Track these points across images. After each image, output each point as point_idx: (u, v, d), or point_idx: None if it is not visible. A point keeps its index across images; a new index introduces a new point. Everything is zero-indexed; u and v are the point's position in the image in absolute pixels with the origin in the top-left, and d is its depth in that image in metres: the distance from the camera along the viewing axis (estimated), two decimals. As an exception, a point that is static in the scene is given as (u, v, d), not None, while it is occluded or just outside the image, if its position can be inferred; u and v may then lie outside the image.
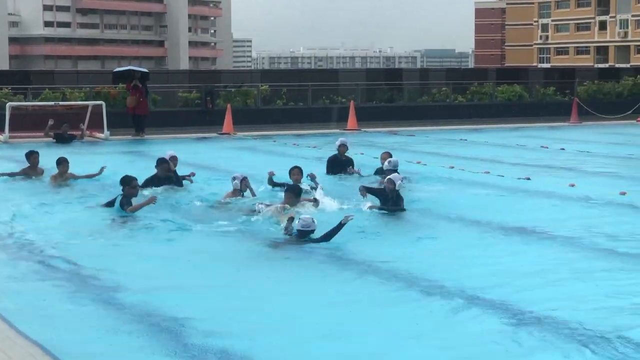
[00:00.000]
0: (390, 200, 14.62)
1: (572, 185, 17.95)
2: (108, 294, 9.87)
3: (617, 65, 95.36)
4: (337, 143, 20.06)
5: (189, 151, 23.71)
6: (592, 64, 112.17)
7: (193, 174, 18.61)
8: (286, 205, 14.16)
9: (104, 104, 30.51)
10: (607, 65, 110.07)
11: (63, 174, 18.55)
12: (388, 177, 14.87)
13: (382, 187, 15.13)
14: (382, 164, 18.37)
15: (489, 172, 19.93)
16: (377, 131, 32.99)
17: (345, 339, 8.32)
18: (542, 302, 9.31)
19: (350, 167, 19.34)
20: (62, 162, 18.60)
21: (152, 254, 12.20)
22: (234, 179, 15.94)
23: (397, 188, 14.59)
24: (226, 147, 27.21)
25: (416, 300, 9.64)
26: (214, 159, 18.81)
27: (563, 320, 8.70)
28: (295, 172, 16.54)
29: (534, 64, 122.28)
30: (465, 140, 29.51)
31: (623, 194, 16.89)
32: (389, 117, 37.34)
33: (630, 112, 38.94)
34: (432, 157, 23.13)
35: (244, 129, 32.49)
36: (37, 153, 19.37)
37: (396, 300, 9.70)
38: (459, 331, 8.54)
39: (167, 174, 17.57)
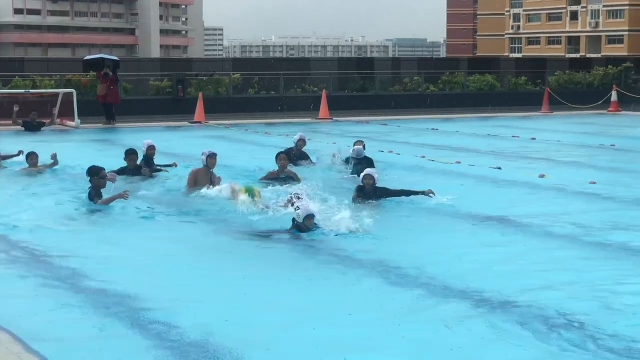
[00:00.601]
0: (373, 196, 14.62)
1: (542, 176, 18.01)
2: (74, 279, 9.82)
3: (588, 55, 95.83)
4: (296, 137, 20.10)
5: (160, 140, 23.51)
6: (563, 54, 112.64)
7: (175, 165, 18.55)
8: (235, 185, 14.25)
9: (74, 92, 30.28)
10: (578, 55, 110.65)
11: (33, 167, 18.17)
12: (364, 173, 14.69)
13: (362, 184, 14.89)
14: (355, 153, 18.46)
15: (460, 162, 19.97)
16: (349, 120, 33.02)
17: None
18: (513, 290, 9.33)
19: (309, 160, 19.63)
20: (30, 155, 18.30)
21: (121, 242, 12.13)
22: (202, 154, 15.92)
23: (374, 183, 14.49)
24: (198, 136, 27.11)
25: (385, 287, 9.63)
26: (185, 148, 18.76)
27: (535, 306, 8.73)
28: (282, 157, 16.70)
29: (506, 54, 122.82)
30: (437, 129, 29.56)
31: (593, 183, 16.98)
32: (360, 106, 37.39)
33: (600, 102, 39.14)
34: (404, 146, 23.17)
35: (216, 117, 32.41)
36: (35, 154, 18.50)
37: (363, 288, 9.71)
38: (432, 318, 8.53)
39: (136, 165, 17.40)
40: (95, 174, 14.28)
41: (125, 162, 17.42)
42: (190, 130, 29.66)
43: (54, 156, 18.35)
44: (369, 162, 18.34)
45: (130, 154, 17.42)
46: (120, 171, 17.05)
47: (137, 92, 36.40)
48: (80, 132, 28.30)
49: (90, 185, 14.32)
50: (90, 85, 32.97)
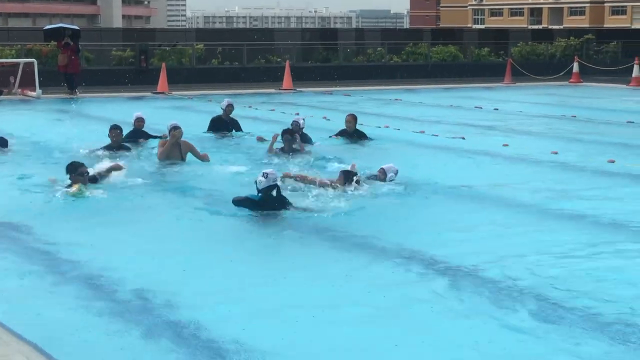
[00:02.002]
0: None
1: (506, 145, 18.17)
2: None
3: (550, 27, 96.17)
4: (224, 103, 20.13)
5: (124, 111, 23.47)
6: (525, 26, 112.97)
7: (165, 137, 18.29)
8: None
9: (35, 61, 30.00)
10: (540, 26, 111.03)
11: None
12: (382, 168, 13.95)
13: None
14: (347, 126, 18.66)
15: (423, 132, 20.07)
16: (313, 91, 32.98)
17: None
18: (474, 259, 9.43)
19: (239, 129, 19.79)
20: None
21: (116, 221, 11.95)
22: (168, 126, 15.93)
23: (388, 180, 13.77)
24: (161, 107, 26.98)
25: (351, 258, 9.71)
26: (149, 118, 18.66)
27: (495, 275, 8.85)
28: (287, 137, 16.48)
29: (469, 25, 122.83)
30: (400, 100, 29.63)
31: (555, 153, 17.15)
32: (324, 77, 37.32)
33: (562, 73, 39.36)
34: (367, 117, 23.15)
35: (179, 88, 32.28)
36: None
37: (332, 258, 9.79)
38: (397, 291, 8.62)
39: (120, 143, 16.78)
40: (74, 171, 12.72)
41: (110, 139, 16.66)
42: (154, 101, 29.50)
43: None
44: (360, 136, 18.45)
45: (115, 129, 16.70)
46: (105, 148, 16.51)
47: (99, 62, 36.13)
48: (42, 103, 28.05)
49: (70, 182, 12.72)
50: (51, 55, 32.65)
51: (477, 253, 9.72)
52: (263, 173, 11.59)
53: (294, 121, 17.91)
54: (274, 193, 11.57)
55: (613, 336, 7.23)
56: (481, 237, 10.69)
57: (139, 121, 18.13)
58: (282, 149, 16.50)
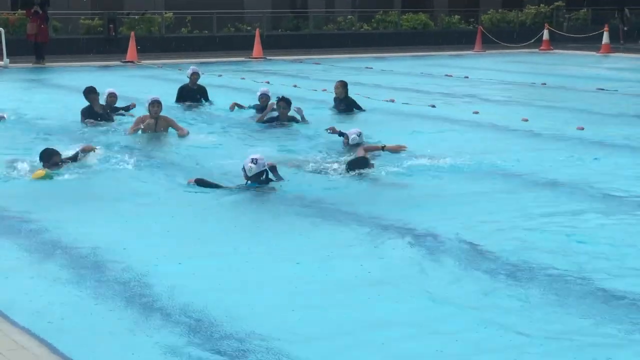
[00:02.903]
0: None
1: (476, 113, 18.18)
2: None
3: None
4: (189, 71, 19.90)
5: (93, 80, 23.23)
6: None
7: (134, 105, 18.18)
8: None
9: (2, 30, 29.70)
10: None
11: None
12: (345, 133, 13.97)
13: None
14: (336, 93, 18.43)
15: (394, 100, 20.03)
16: (283, 59, 32.86)
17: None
18: (442, 224, 9.44)
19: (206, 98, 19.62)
20: None
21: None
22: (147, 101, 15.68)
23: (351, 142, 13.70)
24: (131, 76, 26.83)
25: (328, 228, 9.71)
26: (119, 88, 18.48)
27: (462, 239, 8.85)
28: (282, 104, 16.34)
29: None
30: (371, 68, 29.57)
31: (525, 120, 17.19)
32: (294, 45, 37.22)
33: (532, 40, 39.41)
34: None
35: (148, 57, 32.11)
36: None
37: (306, 225, 9.78)
38: (377, 255, 8.63)
39: (102, 106, 16.78)
40: (48, 159, 12.00)
41: (88, 102, 16.49)
42: (123, 70, 29.31)
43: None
44: (349, 103, 18.27)
45: (90, 92, 16.48)
46: (88, 114, 16.39)
47: (68, 31, 35.81)
48: (9, 72, 27.82)
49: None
50: (19, 24, 32.32)
51: (447, 217, 9.74)
52: (251, 159, 10.85)
53: (262, 93, 17.69)
54: (263, 177, 11.06)
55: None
56: (451, 204, 10.69)
57: (112, 96, 17.79)
58: (276, 118, 16.32)
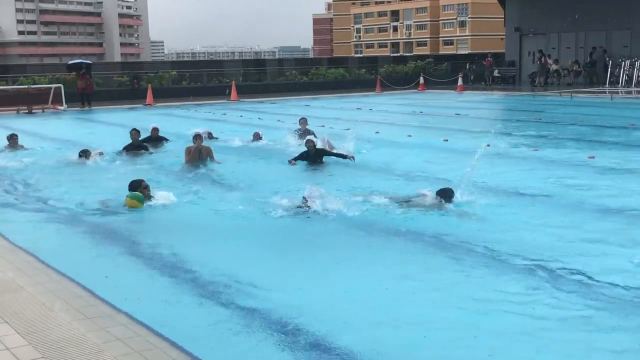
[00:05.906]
0: (315, 156, 12.67)
1: (377, 132, 18.20)
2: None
3: (404, 54, 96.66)
4: (151, 126, 16.61)
5: (124, 117, 22.89)
6: (388, 54, 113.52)
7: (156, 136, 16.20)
8: None
9: (62, 86, 29.29)
10: (398, 54, 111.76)
11: (14, 146, 15.36)
12: (307, 138, 12.89)
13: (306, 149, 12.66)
14: (300, 126, 16.80)
15: (324, 126, 19.94)
16: (251, 101, 32.62)
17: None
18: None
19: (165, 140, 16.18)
20: (11, 137, 15.67)
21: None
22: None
23: (317, 146, 12.58)
24: (149, 114, 26.36)
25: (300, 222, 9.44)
26: (142, 123, 18.19)
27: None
28: (303, 121, 15.06)
29: (352, 54, 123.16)
30: (308, 105, 29.45)
31: (409, 136, 17.27)
32: (258, 91, 36.96)
33: (413, 84, 39.63)
34: (286, 117, 22.95)
35: (161, 101, 31.66)
36: (16, 135, 15.87)
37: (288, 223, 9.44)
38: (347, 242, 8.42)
39: (139, 142, 14.92)
40: (137, 187, 9.74)
41: (130, 140, 14.90)
42: (144, 110, 28.84)
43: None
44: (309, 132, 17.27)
45: (133, 130, 14.98)
46: (127, 147, 14.64)
47: (106, 85, 35.23)
48: (68, 113, 27.26)
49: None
50: (72, 82, 31.79)
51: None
52: (303, 198, 8.83)
53: (255, 132, 16.12)
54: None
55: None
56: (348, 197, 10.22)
57: (155, 130, 16.26)
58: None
